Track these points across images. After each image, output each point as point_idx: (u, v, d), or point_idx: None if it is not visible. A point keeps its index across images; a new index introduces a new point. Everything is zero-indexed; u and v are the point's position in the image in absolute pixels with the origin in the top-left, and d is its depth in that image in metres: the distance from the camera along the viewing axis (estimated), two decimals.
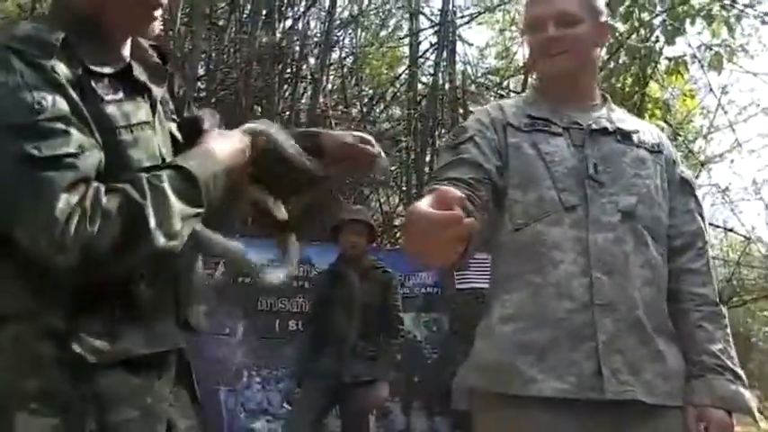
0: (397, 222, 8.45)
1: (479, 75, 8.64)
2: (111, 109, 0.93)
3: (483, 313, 1.47)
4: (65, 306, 0.89)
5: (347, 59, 8.42)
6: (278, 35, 7.24)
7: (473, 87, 8.06)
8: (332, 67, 8.14)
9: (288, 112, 7.34)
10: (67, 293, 0.89)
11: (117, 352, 0.91)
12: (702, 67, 5.24)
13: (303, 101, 7.88)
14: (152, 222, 0.85)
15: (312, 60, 7.73)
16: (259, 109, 6.53)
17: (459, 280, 6.17)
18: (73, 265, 0.83)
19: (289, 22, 7.75)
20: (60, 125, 0.85)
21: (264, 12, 7.19)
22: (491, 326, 1.41)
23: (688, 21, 4.77)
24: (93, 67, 0.92)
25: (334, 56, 8.12)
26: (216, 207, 0.96)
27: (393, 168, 7.02)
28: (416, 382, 5.38)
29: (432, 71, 8.15)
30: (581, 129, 1.46)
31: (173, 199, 0.88)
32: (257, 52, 6.70)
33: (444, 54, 7.70)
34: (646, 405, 1.32)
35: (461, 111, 7.42)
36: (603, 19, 1.51)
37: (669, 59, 5.01)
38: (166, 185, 0.89)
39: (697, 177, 6.74)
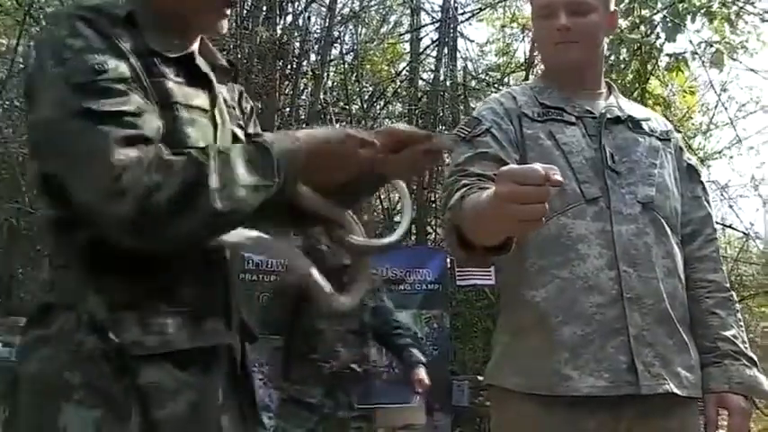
0: (397, 219, 8.42)
1: (480, 71, 8.64)
2: (170, 85, 0.94)
3: (507, 310, 1.44)
4: (109, 297, 0.89)
5: (348, 56, 8.42)
6: (278, 31, 7.22)
7: (474, 83, 8.05)
8: (332, 63, 8.13)
9: (288, 109, 7.32)
10: (113, 284, 0.89)
11: (159, 344, 0.90)
12: (703, 63, 5.22)
13: (303, 97, 7.86)
14: (213, 183, 0.83)
15: (313, 56, 7.74)
16: (259, 105, 6.49)
17: (461, 277, 6.16)
18: (127, 216, 0.80)
19: (289, 18, 7.75)
20: (121, 86, 0.86)
21: (265, 7, 7.17)
22: (518, 323, 1.38)
23: (689, 17, 4.75)
24: (156, 48, 0.94)
25: (335, 52, 8.12)
26: (293, 190, 0.91)
27: None
28: None
29: (433, 67, 8.15)
30: (594, 117, 1.44)
31: (239, 166, 0.86)
32: (258, 48, 6.67)
33: (445, 50, 7.69)
34: (674, 397, 1.31)
35: (462, 107, 7.38)
36: (613, 8, 1.49)
37: (670, 56, 5.00)
38: (235, 153, 0.87)
39: None
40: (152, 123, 0.87)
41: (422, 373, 3.17)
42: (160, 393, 0.89)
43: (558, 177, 0.89)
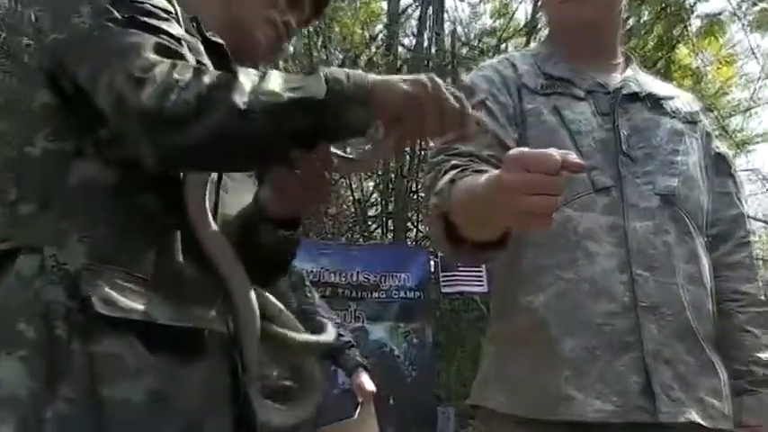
0: (372, 213, 8.43)
1: (472, 36, 8.65)
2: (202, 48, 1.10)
3: (498, 316, 1.45)
4: (93, 246, 0.95)
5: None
6: None
7: (465, 51, 8.06)
8: None
9: None
10: (102, 232, 0.96)
11: (132, 310, 0.94)
12: (744, 27, 5.16)
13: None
14: (241, 77, 0.92)
15: None
16: None
17: (447, 283, 6.18)
18: (149, 105, 0.89)
19: None
20: (163, 14, 1.01)
21: None
22: (511, 332, 1.39)
23: None
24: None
25: None
26: (345, 121, 0.94)
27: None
28: (392, 404, 5.37)
29: (415, 31, 8.13)
30: (607, 93, 1.45)
31: (275, 76, 0.95)
32: None
33: (430, 11, 7.68)
34: (697, 428, 1.31)
35: (450, 80, 7.39)
36: None
37: (702, 18, 4.90)
38: (274, 73, 0.96)
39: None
40: (189, 55, 1.00)
41: (363, 377, 3.21)
42: (115, 369, 0.91)
43: (578, 161, 0.90)
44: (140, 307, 0.94)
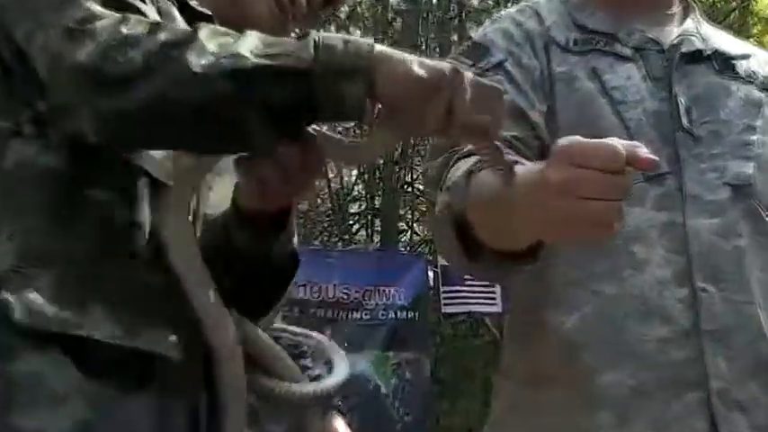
0: (354, 209, 8.44)
1: None
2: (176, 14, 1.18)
3: (517, 343, 1.46)
4: (24, 245, 1.01)
5: None
6: None
7: (475, 1, 8.08)
8: None
9: None
10: (35, 229, 1.02)
11: (65, 323, 0.98)
12: None
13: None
14: (202, 34, 0.96)
15: None
16: None
17: (449, 299, 6.20)
18: (88, 62, 0.94)
19: None
20: None
21: None
22: (534, 363, 1.39)
23: None
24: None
25: None
26: (351, 102, 0.97)
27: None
28: None
29: None
30: (661, 51, 1.47)
31: (252, 38, 0.98)
32: None
33: None
34: None
35: (456, 37, 7.41)
36: None
37: None
38: (253, 34, 1.00)
39: None
40: (150, 11, 1.06)
41: (336, 424, 3.23)
42: (36, 394, 0.95)
43: (650, 156, 0.89)
44: (76, 319, 0.99)
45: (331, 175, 7.93)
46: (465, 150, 1.29)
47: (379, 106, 0.99)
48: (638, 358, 1.31)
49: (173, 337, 1.08)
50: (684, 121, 1.40)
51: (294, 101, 0.95)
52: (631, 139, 1.34)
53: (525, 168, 1.04)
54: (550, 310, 1.37)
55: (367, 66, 0.95)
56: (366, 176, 7.87)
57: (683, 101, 1.42)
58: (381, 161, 7.51)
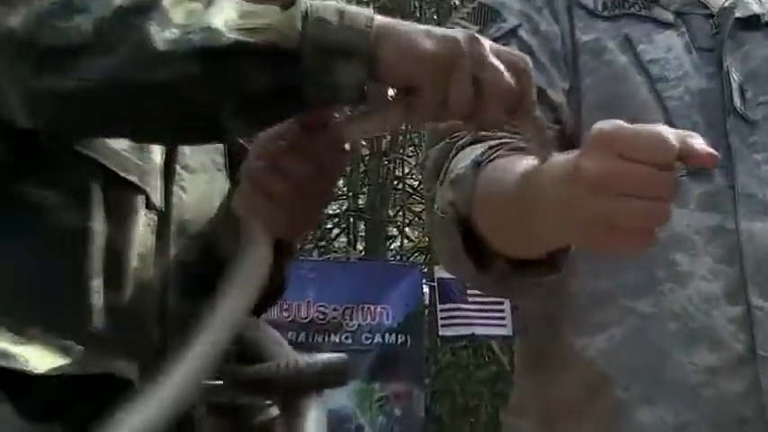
0: (332, 210, 8.44)
1: None
2: None
3: (531, 372, 1.46)
4: None
5: None
6: None
7: None
8: None
9: None
10: None
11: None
12: None
13: None
14: (164, 3, 0.95)
15: None
16: None
17: (447, 321, 6.20)
18: (19, 30, 0.93)
19: None
20: None
21: None
22: (553, 397, 1.39)
23: None
24: None
25: None
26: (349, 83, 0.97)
27: None
28: None
29: None
30: (709, 16, 1.47)
31: (228, 5, 0.97)
32: None
33: None
34: None
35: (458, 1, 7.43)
36: None
37: None
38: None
39: None
40: None
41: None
42: None
43: (708, 149, 0.88)
44: (10, 348, 0.99)
45: None
46: (469, 137, 1.29)
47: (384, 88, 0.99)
48: (681, 391, 1.32)
49: (135, 366, 1.09)
50: (737, 101, 1.41)
51: (276, 87, 0.94)
52: (670, 124, 1.35)
53: (553, 158, 1.04)
54: (571, 332, 1.37)
55: (366, 43, 0.94)
56: (348, 170, 7.85)
57: (735, 77, 1.42)
58: (367, 152, 7.51)
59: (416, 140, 8.30)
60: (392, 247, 8.41)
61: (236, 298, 1.03)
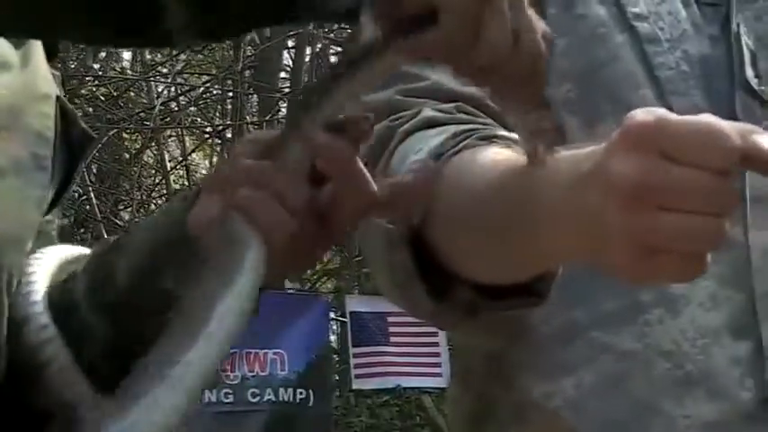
0: None
1: None
2: None
3: (478, 427, 1.47)
4: None
5: None
6: None
7: None
8: None
9: None
10: None
11: None
12: None
13: None
14: None
15: None
16: None
17: (364, 369, 6.21)
18: None
19: None
20: None
21: None
22: None
23: None
24: None
25: None
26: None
27: None
28: None
29: None
30: None
31: None
32: None
33: None
34: None
35: None
36: None
37: None
38: None
39: None
40: None
41: None
42: None
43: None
44: None
45: (172, 164, 7.96)
46: (417, 120, 1.31)
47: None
48: None
49: None
50: (749, 72, 1.43)
51: None
52: (662, 100, 1.38)
53: (566, 154, 1.03)
54: (528, 376, 1.39)
55: None
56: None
57: (746, 41, 1.45)
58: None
59: None
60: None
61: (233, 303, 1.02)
